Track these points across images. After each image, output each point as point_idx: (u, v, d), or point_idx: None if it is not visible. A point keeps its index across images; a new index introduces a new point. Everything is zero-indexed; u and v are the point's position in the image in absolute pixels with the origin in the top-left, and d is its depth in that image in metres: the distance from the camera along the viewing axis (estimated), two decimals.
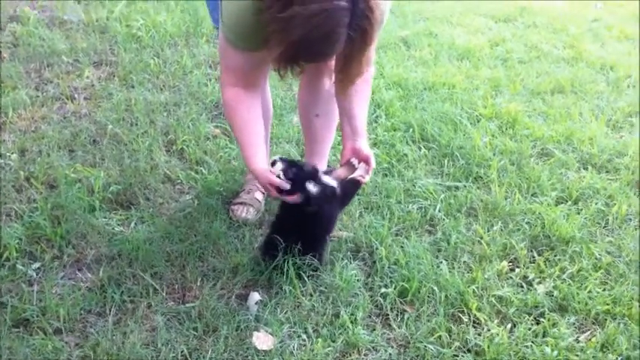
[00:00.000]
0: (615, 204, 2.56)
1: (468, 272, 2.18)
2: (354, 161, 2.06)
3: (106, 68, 3.42)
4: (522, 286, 2.14)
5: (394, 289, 2.07)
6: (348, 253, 2.23)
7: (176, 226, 2.29)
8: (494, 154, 2.84)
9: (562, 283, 2.14)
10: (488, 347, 1.88)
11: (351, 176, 2.05)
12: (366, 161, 2.04)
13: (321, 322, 1.94)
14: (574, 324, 2.01)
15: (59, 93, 3.13)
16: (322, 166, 2.35)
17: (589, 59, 4.09)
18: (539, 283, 2.16)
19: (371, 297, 2.06)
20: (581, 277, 2.18)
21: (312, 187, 1.93)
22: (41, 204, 2.31)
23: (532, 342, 1.92)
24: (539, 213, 2.47)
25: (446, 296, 2.04)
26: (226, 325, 1.90)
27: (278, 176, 1.89)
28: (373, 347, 1.90)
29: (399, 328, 1.96)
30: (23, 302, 1.93)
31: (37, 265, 2.10)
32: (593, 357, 1.88)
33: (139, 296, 1.99)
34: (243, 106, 1.96)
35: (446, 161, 2.76)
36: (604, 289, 2.14)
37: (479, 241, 2.32)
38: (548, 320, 1.99)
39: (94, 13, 3.99)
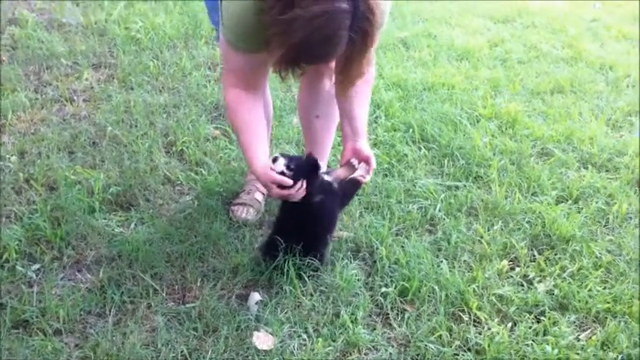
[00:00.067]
0: (615, 203, 2.56)
1: (469, 271, 2.18)
2: (354, 161, 2.06)
3: (105, 70, 3.42)
4: (523, 285, 2.14)
5: (394, 288, 2.06)
6: (349, 252, 2.22)
7: (176, 227, 2.29)
8: (494, 154, 2.84)
9: (562, 281, 2.14)
10: (489, 346, 1.87)
11: (352, 176, 2.06)
12: (367, 161, 2.04)
13: (321, 321, 1.94)
14: (574, 322, 2.01)
15: (58, 95, 3.13)
16: (322, 167, 2.35)
17: (588, 59, 4.09)
18: (540, 281, 2.16)
19: (371, 296, 2.06)
20: (581, 275, 2.18)
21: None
22: (41, 206, 2.31)
23: (533, 340, 1.91)
24: (540, 212, 2.47)
25: (446, 295, 2.04)
26: (226, 325, 1.89)
27: (282, 173, 1.88)
28: (374, 346, 1.89)
29: (399, 327, 1.95)
30: (23, 303, 1.93)
31: (36, 266, 2.09)
32: (593, 355, 1.88)
33: (138, 297, 1.99)
34: (245, 108, 1.96)
35: (446, 161, 2.76)
36: (604, 288, 2.14)
37: (479, 240, 2.32)
38: (549, 319, 1.99)
39: (93, 16, 3.99)
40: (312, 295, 2.03)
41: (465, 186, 2.62)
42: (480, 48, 4.12)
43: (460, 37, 4.33)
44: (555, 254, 2.28)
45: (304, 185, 1.91)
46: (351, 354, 1.86)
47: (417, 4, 4.92)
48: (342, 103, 2.07)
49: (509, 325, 1.97)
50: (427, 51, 4.01)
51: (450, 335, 1.93)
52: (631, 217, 2.52)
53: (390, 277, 2.12)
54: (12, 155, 2.63)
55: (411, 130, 2.97)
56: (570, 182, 2.69)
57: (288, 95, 3.24)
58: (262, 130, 2.02)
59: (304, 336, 1.89)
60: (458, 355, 1.87)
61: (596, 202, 2.57)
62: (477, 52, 4.04)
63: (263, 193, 2.43)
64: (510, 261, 2.25)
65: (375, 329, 1.95)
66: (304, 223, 2.03)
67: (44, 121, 2.91)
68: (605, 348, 1.92)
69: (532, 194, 2.60)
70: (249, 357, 1.82)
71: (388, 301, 2.03)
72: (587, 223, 2.45)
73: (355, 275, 2.10)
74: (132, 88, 3.23)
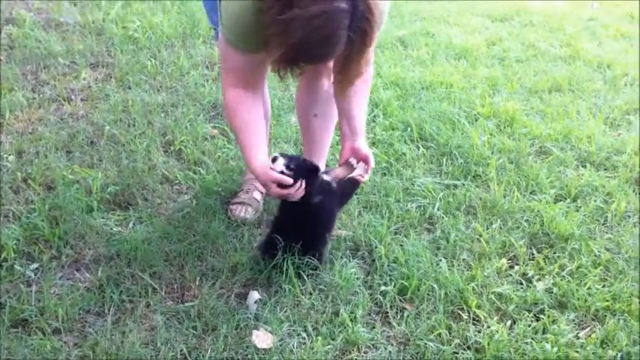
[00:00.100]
0: (614, 201, 2.56)
1: (468, 270, 2.18)
2: (353, 161, 2.06)
3: (103, 70, 3.42)
4: (522, 284, 2.14)
5: (394, 287, 2.06)
6: (348, 251, 2.22)
7: (174, 226, 2.29)
8: (492, 153, 2.85)
9: (561, 280, 2.14)
10: (488, 344, 1.87)
11: (350, 175, 2.06)
12: (365, 161, 2.04)
13: (320, 320, 1.94)
14: (574, 320, 2.01)
15: (56, 95, 3.12)
16: (321, 166, 2.35)
17: (586, 58, 4.09)
18: (539, 280, 2.16)
19: (370, 295, 2.06)
20: (580, 273, 2.18)
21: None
22: (39, 205, 2.31)
23: (532, 339, 1.91)
24: (538, 210, 2.47)
25: (445, 294, 2.04)
26: (226, 323, 1.89)
27: (281, 172, 1.88)
28: (373, 345, 1.89)
29: (398, 325, 1.95)
30: (22, 303, 1.92)
31: (35, 265, 2.09)
32: (593, 353, 1.88)
33: (137, 296, 1.99)
34: (244, 107, 1.96)
35: (444, 160, 2.76)
36: (603, 286, 2.14)
37: (478, 238, 2.32)
38: (548, 317, 1.99)
39: (90, 15, 3.99)
40: (311, 294, 2.03)
41: (464, 184, 2.63)
42: (478, 47, 4.13)
43: (458, 35, 4.33)
44: (554, 252, 2.29)
45: (303, 185, 1.91)
46: (350, 352, 1.86)
47: (415, 3, 4.92)
48: (340, 102, 2.07)
49: (509, 323, 1.97)
50: (425, 50, 4.01)
51: (450, 333, 1.92)
52: (629, 215, 2.53)
53: (389, 275, 2.12)
54: (10, 155, 2.62)
55: (409, 128, 2.97)
56: (569, 181, 2.69)
57: (286, 94, 3.24)
58: (262, 130, 2.02)
59: (303, 334, 1.88)
60: (457, 353, 1.87)
61: (595, 201, 2.57)
62: (475, 51, 4.04)
63: (261, 192, 2.43)
64: (509, 259, 2.25)
65: (374, 328, 1.95)
66: (303, 222, 2.03)
67: (42, 120, 2.90)
68: (604, 346, 1.92)
69: (530, 193, 2.60)
70: (249, 356, 1.81)
71: (387, 299, 2.03)
72: (585, 221, 2.46)
73: (354, 274, 2.09)
74: (129, 88, 3.23)
